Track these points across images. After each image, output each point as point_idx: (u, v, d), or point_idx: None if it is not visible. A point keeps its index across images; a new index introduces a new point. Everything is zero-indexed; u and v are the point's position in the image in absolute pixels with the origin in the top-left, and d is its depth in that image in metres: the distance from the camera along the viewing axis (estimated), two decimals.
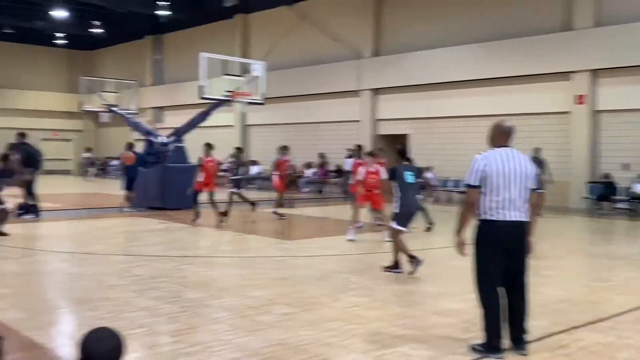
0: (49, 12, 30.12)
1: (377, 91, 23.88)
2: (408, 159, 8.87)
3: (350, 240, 11.00)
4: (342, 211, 14.50)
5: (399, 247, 8.13)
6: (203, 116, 16.92)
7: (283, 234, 12.81)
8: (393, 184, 8.18)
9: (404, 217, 8.13)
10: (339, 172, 23.82)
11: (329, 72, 24.95)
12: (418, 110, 22.47)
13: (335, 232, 12.67)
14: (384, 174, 10.93)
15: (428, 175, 21.35)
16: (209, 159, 13.39)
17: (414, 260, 7.97)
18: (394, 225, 8.12)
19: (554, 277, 8.25)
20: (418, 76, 21.99)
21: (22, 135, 14.53)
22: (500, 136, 5.03)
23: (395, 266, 8.19)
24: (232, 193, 14.28)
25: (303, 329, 5.55)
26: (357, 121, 24.34)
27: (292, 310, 6.22)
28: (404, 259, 8.11)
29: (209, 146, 13.51)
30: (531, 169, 4.99)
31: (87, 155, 33.81)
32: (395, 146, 9.08)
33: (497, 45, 19.91)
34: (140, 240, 11.36)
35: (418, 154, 22.53)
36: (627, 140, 17.62)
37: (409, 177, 8.23)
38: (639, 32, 16.94)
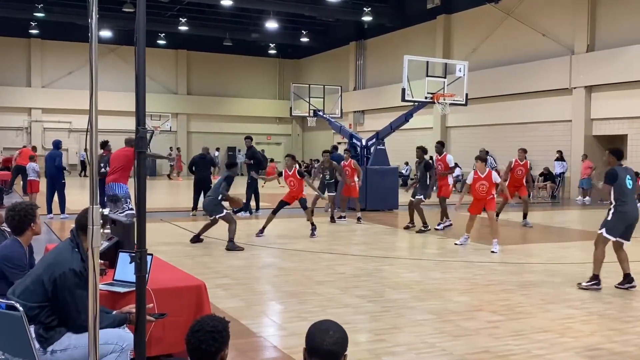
0: (263, 25, 32.53)
1: (591, 88, 22.16)
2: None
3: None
4: (550, 217, 13.66)
5: (597, 259, 7.42)
6: (404, 119, 17.03)
7: (485, 239, 12.42)
8: (611, 187, 7.42)
9: (619, 226, 7.37)
10: (548, 175, 22.56)
11: (537, 69, 23.67)
12: (637, 109, 20.43)
13: (541, 239, 12.01)
14: (496, 178, 10.66)
15: None
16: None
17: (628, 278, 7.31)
18: (604, 233, 7.39)
19: None
20: (638, 71, 19.99)
21: (249, 139, 16.08)
22: None
23: (593, 279, 7.43)
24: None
25: (510, 338, 5.34)
26: (569, 121, 22.80)
27: (498, 318, 6.00)
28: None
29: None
30: None
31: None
32: (609, 147, 8.31)
33: None
34: (343, 239, 11.75)
35: (638, 157, 20.55)
36: None
37: (628, 181, 7.47)
38: None
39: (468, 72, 17.09)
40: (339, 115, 22.90)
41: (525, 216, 13.90)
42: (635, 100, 20.49)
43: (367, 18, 29.77)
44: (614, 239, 7.40)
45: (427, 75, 16.54)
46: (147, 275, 3.40)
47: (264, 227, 11.83)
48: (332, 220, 14.21)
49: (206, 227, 10.69)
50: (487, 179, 10.59)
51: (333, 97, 23.56)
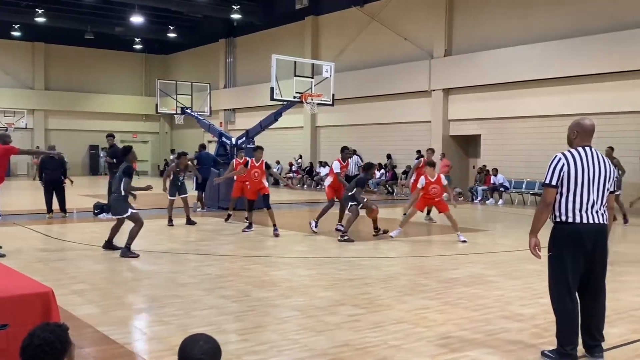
0: (128, 18, 31.33)
1: (448, 91, 23.51)
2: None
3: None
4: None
5: None
6: (273, 117, 17.12)
7: (351, 236, 12.78)
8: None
9: None
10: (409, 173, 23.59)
11: (400, 72, 24.75)
12: (490, 111, 21.97)
13: (403, 233, 12.56)
14: (444, 181, 11.88)
15: (497, 177, 20.92)
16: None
17: None
18: None
19: (632, 282, 7.88)
20: (490, 75, 21.50)
21: (111, 137, 15.46)
22: (581, 135, 4.80)
23: None
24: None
25: (370, 331, 5.52)
26: (428, 122, 24.02)
27: (359, 312, 6.19)
28: None
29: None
30: (611, 170, 4.77)
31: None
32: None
33: (572, 42, 19.18)
34: (211, 239, 11.60)
35: (489, 156, 22.09)
36: None
37: None
38: None
39: (335, 73, 17.49)
40: (208, 113, 22.61)
41: (429, 212, 14.53)
42: (487, 103, 22.00)
43: (236, 16, 29.64)
44: None
45: (295, 75, 16.75)
46: None
47: (250, 224, 12.40)
48: (190, 222, 13.71)
49: (114, 230, 9.86)
50: (437, 183, 11.67)
51: (202, 95, 23.21)
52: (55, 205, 14.59)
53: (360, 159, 24.46)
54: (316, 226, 12.43)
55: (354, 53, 27.06)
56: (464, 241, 11.13)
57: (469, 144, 23.70)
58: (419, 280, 7.89)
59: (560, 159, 4.71)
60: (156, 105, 22.92)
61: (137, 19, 30.81)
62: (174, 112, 21.82)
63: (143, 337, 5.50)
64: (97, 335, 5.37)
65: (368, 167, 11.93)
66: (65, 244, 10.73)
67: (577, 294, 4.77)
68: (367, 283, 7.66)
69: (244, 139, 17.72)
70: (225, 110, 34.78)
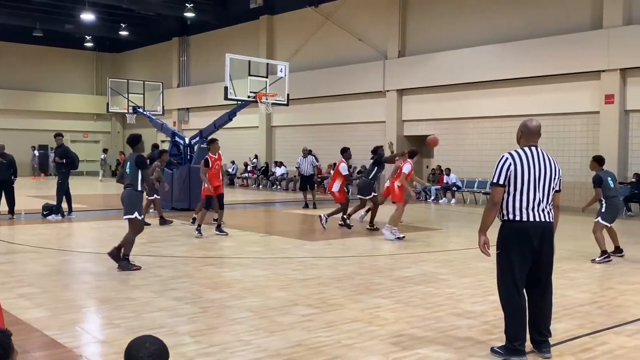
0: (78, 16, 30.64)
1: (402, 92, 23.76)
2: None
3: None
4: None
5: (601, 239, 9.39)
6: (227, 117, 17.01)
7: (306, 235, 12.82)
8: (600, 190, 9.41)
9: (609, 216, 9.51)
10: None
11: (355, 72, 24.89)
12: (443, 111, 22.30)
13: (359, 233, 12.63)
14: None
15: (450, 176, 21.25)
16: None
17: (605, 253, 9.35)
18: (601, 221, 9.45)
19: (579, 279, 8.11)
20: (443, 77, 21.82)
21: (60, 136, 15.05)
22: (527, 135, 4.93)
23: (604, 254, 9.36)
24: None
25: (323, 330, 5.53)
26: (383, 122, 24.23)
27: (312, 312, 6.20)
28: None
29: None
30: (557, 169, 4.90)
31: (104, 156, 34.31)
32: (594, 156, 9.98)
33: (524, 45, 19.64)
34: (163, 241, 11.44)
35: (442, 156, 22.42)
36: None
37: (610, 182, 9.50)
38: None
39: (290, 73, 17.51)
40: (161, 113, 22.32)
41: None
42: (441, 104, 22.33)
43: (189, 14, 29.32)
44: (608, 225, 9.52)
45: (250, 75, 16.69)
46: None
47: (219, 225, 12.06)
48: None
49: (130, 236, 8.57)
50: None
51: (155, 94, 22.91)
52: (4, 206, 14.19)
53: (316, 158, 24.48)
54: (326, 221, 12.85)
55: (309, 53, 27.09)
56: (401, 237, 11.34)
57: (422, 144, 23.98)
58: (372, 280, 7.94)
59: (507, 158, 4.82)
60: (107, 104, 22.51)
61: (87, 17, 30.18)
62: (126, 111, 21.46)
63: (93, 341, 5.39)
64: (45, 340, 5.24)
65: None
66: (13, 247, 10.44)
67: (524, 290, 4.89)
68: (322, 283, 7.67)
69: (197, 138, 17.55)
70: (179, 109, 34.37)
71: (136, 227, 8.46)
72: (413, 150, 12.52)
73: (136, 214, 8.36)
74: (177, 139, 18.18)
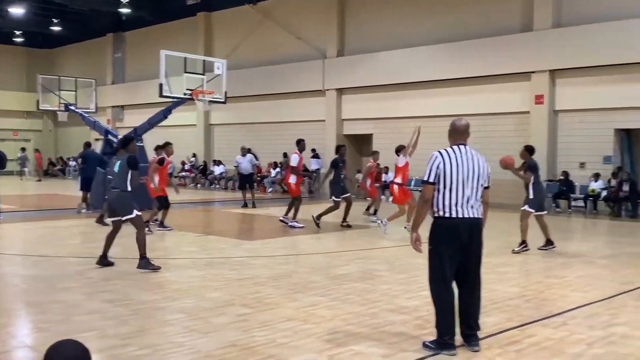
0: (6, 9, 29.44)
1: (341, 91, 23.90)
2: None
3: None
4: (306, 210, 14.42)
5: (526, 228, 9.84)
6: (163, 115, 16.68)
7: (244, 235, 12.73)
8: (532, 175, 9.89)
9: (536, 203, 9.97)
10: (305, 171, 23.76)
11: (294, 71, 24.88)
12: (382, 111, 22.56)
13: (296, 231, 12.63)
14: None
15: (388, 175, 21.53)
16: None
17: (523, 243, 9.84)
18: (528, 208, 9.90)
19: (508, 274, 8.35)
20: (381, 77, 22.08)
21: None
22: (454, 134, 5.07)
23: (522, 244, 9.85)
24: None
25: (258, 330, 5.50)
26: (322, 121, 24.31)
27: (247, 311, 6.15)
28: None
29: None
30: (485, 167, 5.02)
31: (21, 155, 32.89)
32: (525, 145, 10.47)
33: (457, 46, 20.08)
34: (96, 242, 11.10)
35: (381, 155, 22.62)
36: (583, 139, 17.98)
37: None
38: (596, 33, 17.27)
39: (229, 71, 17.34)
40: (94, 110, 21.71)
41: (375, 212, 15.13)
42: (379, 103, 22.59)
43: (124, 10, 28.64)
44: (533, 211, 9.92)
45: (186, 72, 16.43)
46: None
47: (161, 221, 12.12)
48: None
49: (111, 238, 8.51)
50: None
51: (88, 91, 22.26)
52: None
53: (255, 157, 24.33)
54: (291, 220, 12.95)
55: (248, 51, 26.91)
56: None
57: (362, 143, 24.21)
58: (309, 278, 7.95)
59: (437, 157, 4.93)
60: (37, 101, 21.74)
61: (17, 11, 29.04)
62: (57, 108, 20.77)
63: (20, 346, 5.19)
64: None
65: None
66: None
67: (455, 285, 5.00)
68: (258, 282, 7.62)
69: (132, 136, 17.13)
70: (113, 107, 33.56)
71: (140, 223, 8.35)
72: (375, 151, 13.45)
73: (135, 212, 8.26)
74: (110, 137, 17.70)
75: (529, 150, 10.19)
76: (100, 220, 12.92)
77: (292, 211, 13.18)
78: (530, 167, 10.03)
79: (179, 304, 6.45)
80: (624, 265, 9.15)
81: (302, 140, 13.40)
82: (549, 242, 10.20)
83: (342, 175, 13.55)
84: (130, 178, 8.29)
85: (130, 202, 8.31)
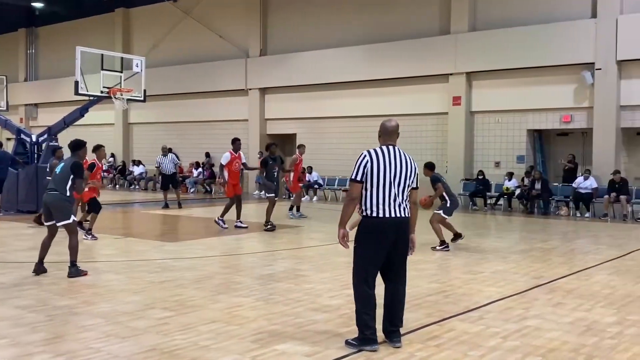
0: None
1: (264, 90, 23.82)
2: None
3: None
4: (232, 211, 14.27)
5: (440, 229, 10.32)
6: (79, 113, 16.10)
7: (166, 237, 12.48)
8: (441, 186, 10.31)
9: (451, 210, 10.55)
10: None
11: (216, 70, 24.59)
12: (305, 110, 22.64)
13: (220, 232, 12.49)
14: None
15: (312, 174, 21.65)
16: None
17: (444, 243, 10.28)
18: (442, 214, 10.38)
19: (428, 270, 8.57)
20: (304, 77, 22.16)
21: None
22: (385, 135, 5.15)
23: (443, 243, 10.25)
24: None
25: (179, 333, 5.39)
26: (246, 120, 24.15)
27: (168, 314, 6.03)
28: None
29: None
30: (414, 167, 5.13)
31: None
32: (425, 162, 10.63)
33: (379, 48, 20.42)
34: (6, 245, 10.62)
35: (305, 154, 22.73)
36: (498, 139, 18.71)
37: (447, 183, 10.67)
38: (509, 37, 17.98)
39: (149, 69, 16.95)
40: (5, 108, 20.73)
41: (298, 209, 15.42)
42: (302, 103, 22.66)
43: (37, 4, 27.47)
44: (446, 218, 10.45)
45: (103, 69, 15.93)
46: None
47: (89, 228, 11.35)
48: None
49: (47, 245, 8.10)
50: None
51: None
52: None
53: (177, 157, 23.88)
54: (224, 222, 12.68)
55: (168, 49, 26.36)
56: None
57: (285, 143, 24.20)
58: (233, 279, 7.88)
59: (365, 156, 5.01)
60: None
61: None
62: None
63: None
64: None
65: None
66: None
67: (384, 281, 5.12)
68: (180, 285, 7.49)
69: (45, 136, 16.47)
70: (26, 105, 32.10)
71: (74, 229, 8.03)
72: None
73: (72, 218, 7.99)
74: (23, 136, 16.94)
75: (430, 167, 10.51)
76: (38, 220, 12.33)
77: (235, 212, 13.06)
78: (436, 180, 10.40)
79: (97, 309, 6.25)
80: (536, 260, 9.58)
81: (238, 139, 13.33)
82: (458, 236, 10.63)
83: (275, 173, 13.46)
84: (73, 185, 7.93)
85: (68, 208, 8.02)
